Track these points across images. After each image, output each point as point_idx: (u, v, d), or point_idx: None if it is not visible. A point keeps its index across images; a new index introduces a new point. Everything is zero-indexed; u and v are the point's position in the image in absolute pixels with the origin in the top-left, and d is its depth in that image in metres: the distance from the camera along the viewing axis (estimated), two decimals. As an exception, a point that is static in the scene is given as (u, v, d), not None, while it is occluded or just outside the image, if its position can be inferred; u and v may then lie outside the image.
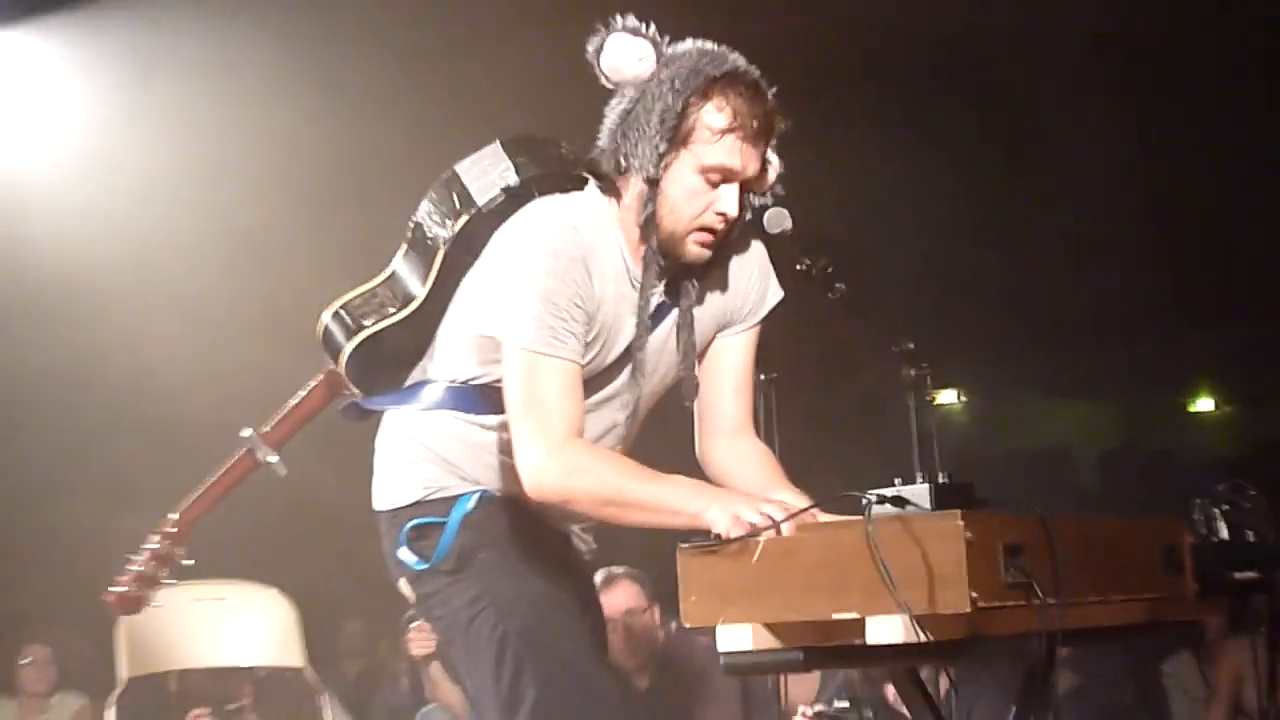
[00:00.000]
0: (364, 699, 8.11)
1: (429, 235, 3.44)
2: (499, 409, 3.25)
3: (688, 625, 2.89)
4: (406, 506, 3.40)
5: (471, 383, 3.35)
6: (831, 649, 2.79)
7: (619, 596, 5.80)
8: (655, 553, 4.21)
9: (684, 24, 3.29)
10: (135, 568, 4.25)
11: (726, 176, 3.19)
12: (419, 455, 3.40)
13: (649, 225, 3.22)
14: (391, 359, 3.50)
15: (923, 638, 2.62)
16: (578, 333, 3.18)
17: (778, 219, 3.27)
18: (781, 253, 3.37)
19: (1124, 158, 8.85)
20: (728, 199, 3.19)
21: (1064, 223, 9.75)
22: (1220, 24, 7.86)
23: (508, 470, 3.30)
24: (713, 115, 3.16)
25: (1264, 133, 8.65)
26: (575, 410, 3.17)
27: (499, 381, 3.25)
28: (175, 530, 4.26)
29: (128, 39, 7.78)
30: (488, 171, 3.43)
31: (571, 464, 3.13)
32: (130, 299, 8.41)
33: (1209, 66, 8.18)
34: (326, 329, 3.54)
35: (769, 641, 2.78)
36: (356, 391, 3.59)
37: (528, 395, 3.15)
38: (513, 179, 3.42)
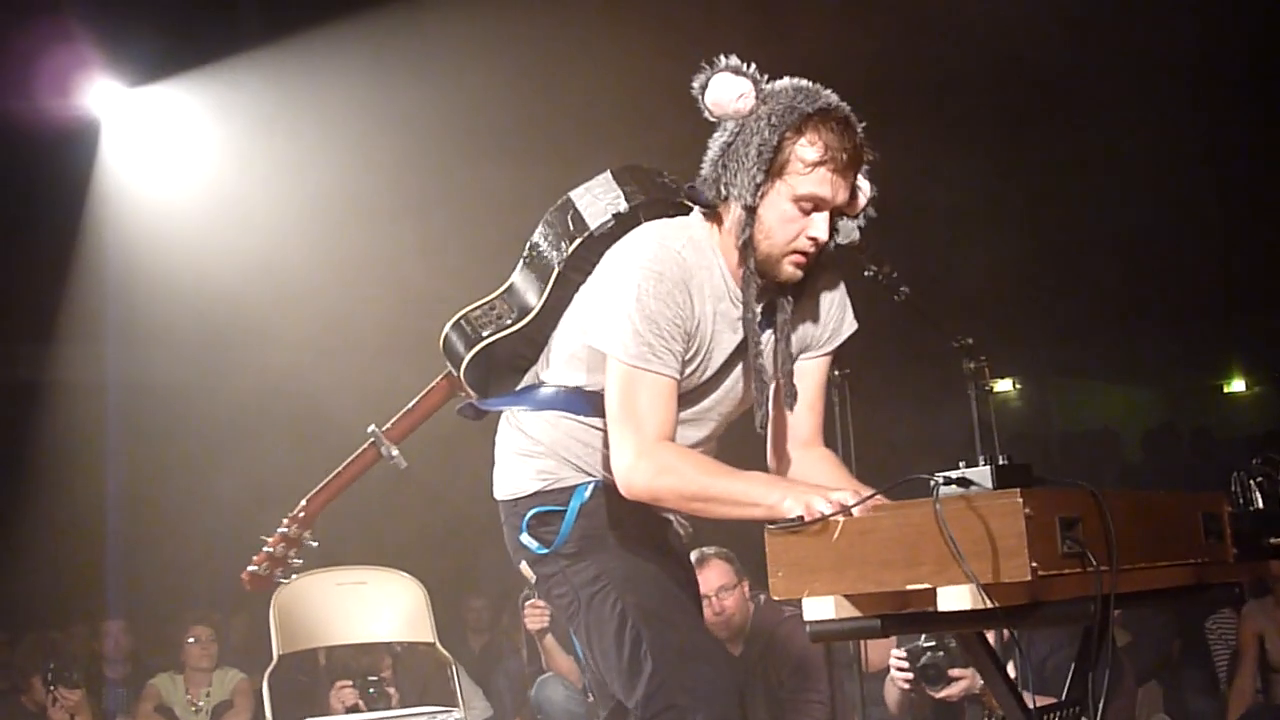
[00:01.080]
0: (488, 669, 8.15)
1: (545, 255, 3.45)
2: (604, 412, 3.25)
3: (776, 598, 2.89)
4: (527, 496, 3.40)
5: (581, 389, 3.35)
6: (906, 616, 2.79)
7: (712, 574, 5.79)
8: (741, 535, 4.22)
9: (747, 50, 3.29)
10: (267, 549, 4.29)
11: (818, 205, 3.17)
12: (536, 450, 3.40)
13: (746, 248, 3.21)
14: (506, 365, 3.50)
15: (988, 604, 2.61)
16: (676, 351, 3.17)
17: (846, 231, 3.27)
18: (851, 261, 3.37)
19: (1164, 159, 8.75)
20: (819, 225, 3.18)
21: (1108, 221, 9.66)
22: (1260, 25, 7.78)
23: None
24: (805, 149, 3.14)
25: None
26: (667, 419, 3.17)
27: (604, 390, 3.25)
28: (303, 515, 4.29)
29: (254, 90, 7.94)
30: (599, 198, 3.44)
31: (660, 465, 3.13)
32: (259, 315, 8.53)
33: (1242, 72, 8.09)
34: (448, 337, 3.55)
35: (850, 611, 2.78)
36: (473, 394, 3.59)
37: (624, 404, 3.16)
38: (623, 206, 3.42)
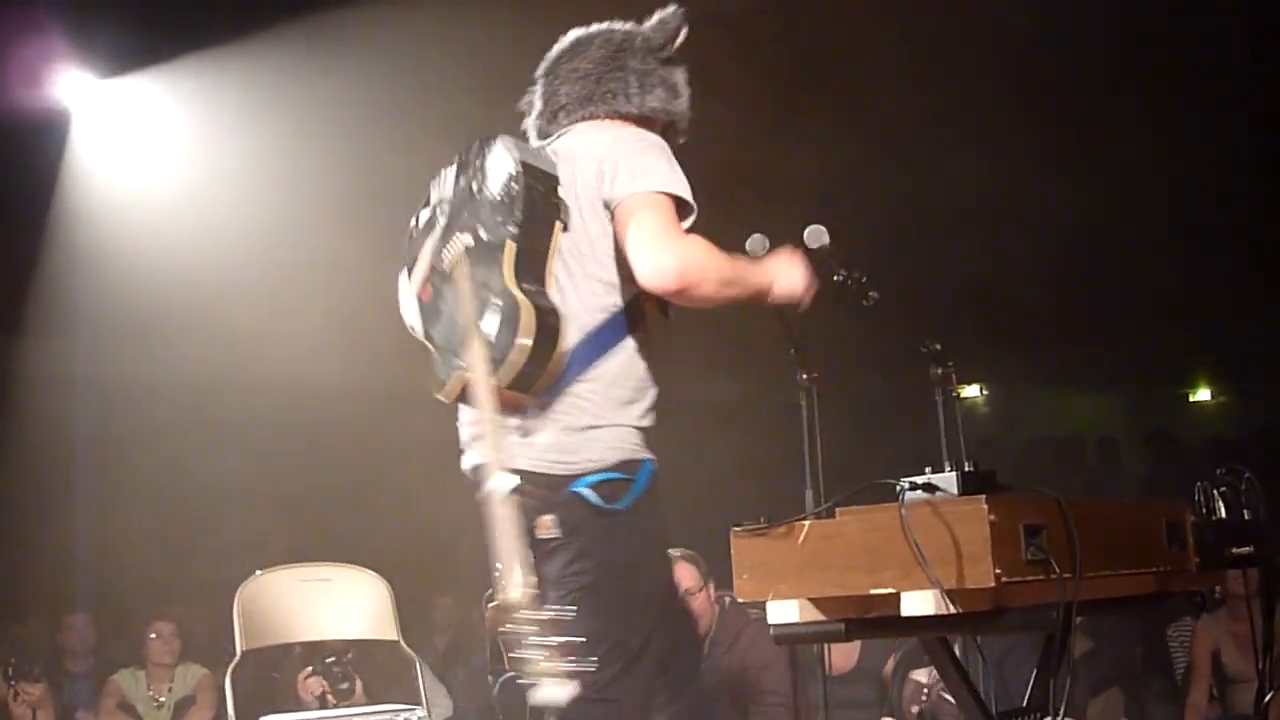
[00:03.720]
0: (452, 667, 8.13)
1: (516, 190, 3.44)
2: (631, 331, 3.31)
3: (741, 600, 2.89)
4: (599, 469, 3.26)
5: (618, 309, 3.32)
6: (870, 620, 2.80)
7: (678, 576, 5.78)
8: (706, 537, 4.21)
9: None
10: None
11: None
12: (602, 420, 3.26)
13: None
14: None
15: (952, 609, 2.63)
16: None
17: (816, 235, 3.27)
18: (820, 265, 3.37)
19: (1133, 170, 8.78)
20: None
21: (1077, 230, 9.69)
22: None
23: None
24: None
25: (1256, 147, 8.59)
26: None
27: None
28: None
29: (225, 83, 7.92)
30: (529, 148, 3.60)
31: (698, 254, 3.22)
32: (229, 308, 8.51)
33: (1223, 84, 8.12)
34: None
35: (814, 614, 2.80)
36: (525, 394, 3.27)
37: (665, 224, 3.24)
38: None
